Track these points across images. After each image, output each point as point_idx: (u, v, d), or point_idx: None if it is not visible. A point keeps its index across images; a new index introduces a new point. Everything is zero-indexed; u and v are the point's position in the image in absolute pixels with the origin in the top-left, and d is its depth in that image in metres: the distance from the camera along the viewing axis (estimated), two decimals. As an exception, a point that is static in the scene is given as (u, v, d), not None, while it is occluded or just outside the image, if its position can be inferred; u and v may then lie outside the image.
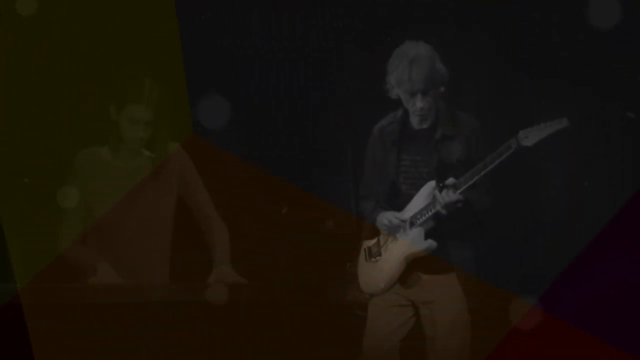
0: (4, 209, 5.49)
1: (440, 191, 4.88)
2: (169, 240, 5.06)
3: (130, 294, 4.53)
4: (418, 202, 4.99)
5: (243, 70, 6.38)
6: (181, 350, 4.46)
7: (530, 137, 4.82)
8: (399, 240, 5.02)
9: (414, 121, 5.03)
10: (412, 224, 4.99)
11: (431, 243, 4.94)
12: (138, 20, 6.05)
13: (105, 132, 5.02)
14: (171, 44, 6.11)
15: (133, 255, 4.95)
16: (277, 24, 6.40)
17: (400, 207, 5.04)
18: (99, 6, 5.99)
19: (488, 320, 5.24)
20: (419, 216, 4.97)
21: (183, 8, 6.17)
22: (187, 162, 5.10)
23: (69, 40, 5.93)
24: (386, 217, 5.03)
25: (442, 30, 5.98)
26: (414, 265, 4.99)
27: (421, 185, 4.99)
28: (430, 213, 4.94)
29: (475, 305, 4.98)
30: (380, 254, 5.08)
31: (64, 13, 5.91)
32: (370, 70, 5.22)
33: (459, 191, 4.86)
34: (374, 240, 5.12)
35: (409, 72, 4.89)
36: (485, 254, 5.25)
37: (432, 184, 4.96)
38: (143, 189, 5.00)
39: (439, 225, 4.96)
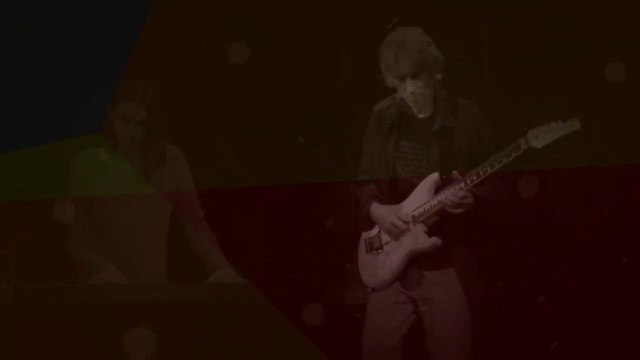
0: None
1: (442, 187, 4.83)
2: (165, 240, 5.05)
3: (130, 294, 4.51)
4: (420, 195, 4.92)
5: (243, 70, 6.39)
6: (181, 350, 4.45)
7: (540, 137, 4.71)
8: (403, 236, 4.94)
9: (413, 106, 4.95)
10: (415, 219, 4.92)
11: (435, 241, 4.87)
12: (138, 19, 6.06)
13: (103, 132, 5.01)
14: (170, 43, 6.13)
15: (130, 256, 4.94)
16: (277, 24, 6.41)
17: (401, 197, 4.97)
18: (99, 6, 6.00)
19: (488, 317, 5.22)
20: (421, 211, 4.90)
21: (183, 7, 6.18)
22: (183, 165, 5.09)
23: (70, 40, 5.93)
24: (388, 220, 4.94)
25: (444, 26, 5.97)
26: (415, 261, 4.93)
27: (421, 174, 4.92)
28: (433, 208, 4.87)
29: (475, 302, 4.92)
30: (381, 248, 5.01)
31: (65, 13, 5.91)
32: (370, 70, 5.19)
33: (465, 189, 4.78)
34: (375, 232, 5.04)
35: (396, 56, 4.82)
36: (488, 251, 5.24)
37: (434, 176, 4.89)
38: (140, 190, 4.99)
39: (442, 221, 4.89)
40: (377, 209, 4.99)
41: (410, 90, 4.87)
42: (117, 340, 4.35)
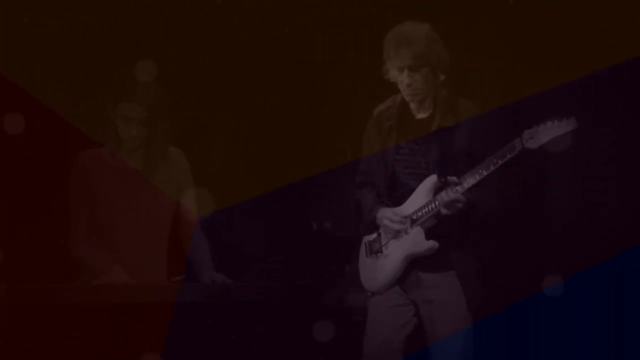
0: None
1: (441, 189, 4.79)
2: (166, 240, 5.06)
3: (130, 294, 4.53)
4: (419, 197, 4.86)
5: (242, 70, 6.39)
6: (180, 350, 4.46)
7: (535, 138, 4.62)
8: (401, 239, 4.91)
9: (412, 106, 4.90)
10: (413, 222, 4.89)
11: (433, 244, 4.83)
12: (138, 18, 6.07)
13: (104, 132, 5.02)
14: (171, 43, 6.13)
15: (131, 256, 4.95)
16: (277, 24, 6.40)
17: (399, 199, 4.92)
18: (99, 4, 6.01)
19: (489, 319, 5.22)
20: (420, 214, 4.86)
21: (184, 7, 6.19)
22: (184, 167, 5.09)
23: (69, 39, 5.94)
24: (386, 217, 4.91)
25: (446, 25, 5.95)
26: (414, 264, 4.89)
27: (420, 176, 4.86)
28: (431, 211, 4.82)
29: (475, 304, 4.92)
30: (381, 251, 4.97)
31: (64, 13, 5.92)
32: (369, 70, 5.18)
33: (460, 192, 4.73)
34: (374, 235, 5.01)
35: (397, 46, 4.76)
36: (487, 254, 5.23)
37: (433, 178, 4.83)
38: (142, 190, 5.00)
39: (440, 224, 4.84)
40: (382, 212, 4.94)
41: (406, 83, 4.80)
42: (117, 340, 4.37)
